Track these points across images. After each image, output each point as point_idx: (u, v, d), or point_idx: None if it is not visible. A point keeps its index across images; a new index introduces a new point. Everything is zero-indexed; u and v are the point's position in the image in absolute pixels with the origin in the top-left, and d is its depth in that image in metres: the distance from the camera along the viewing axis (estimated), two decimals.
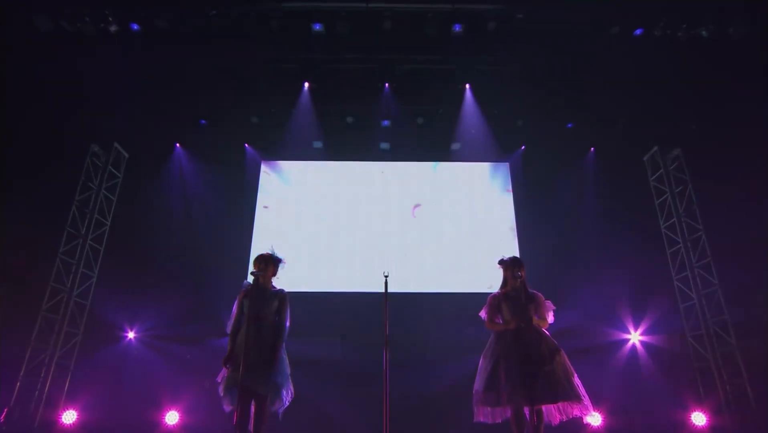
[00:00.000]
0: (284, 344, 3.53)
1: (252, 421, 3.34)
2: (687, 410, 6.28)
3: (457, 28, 6.37)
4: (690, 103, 6.88)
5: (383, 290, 3.54)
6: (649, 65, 6.62)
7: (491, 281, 7.26)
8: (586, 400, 3.27)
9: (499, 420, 3.39)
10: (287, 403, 3.49)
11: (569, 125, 7.87)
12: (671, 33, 6.37)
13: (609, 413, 6.11)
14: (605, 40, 6.42)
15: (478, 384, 3.39)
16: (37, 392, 6.24)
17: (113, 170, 7.62)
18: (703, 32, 6.35)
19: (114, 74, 6.63)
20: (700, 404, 6.37)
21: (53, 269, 6.64)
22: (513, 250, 7.55)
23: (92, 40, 6.31)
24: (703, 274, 6.93)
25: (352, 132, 7.95)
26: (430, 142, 8.07)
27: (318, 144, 8.13)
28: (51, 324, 6.56)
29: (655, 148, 7.77)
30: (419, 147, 8.08)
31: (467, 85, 7.42)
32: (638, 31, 6.38)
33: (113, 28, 6.28)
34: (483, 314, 3.68)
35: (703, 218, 7.06)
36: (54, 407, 6.28)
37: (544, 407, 3.27)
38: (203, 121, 7.81)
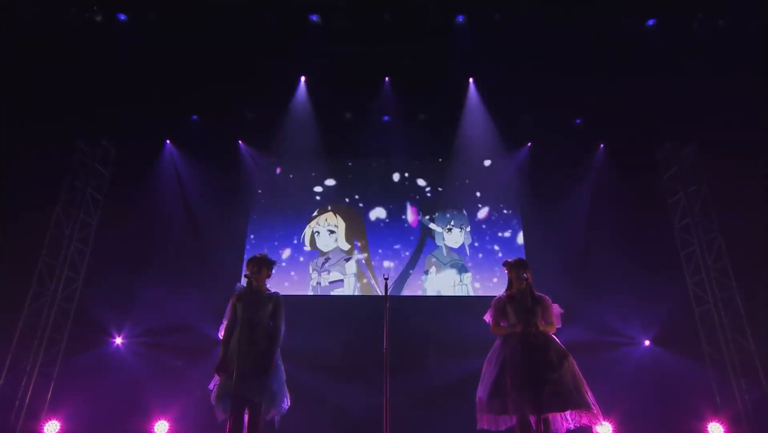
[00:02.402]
0: (279, 350, 3.56)
1: (246, 430, 3.36)
2: (703, 420, 6.29)
3: (461, 19, 6.39)
4: (705, 97, 6.89)
5: (383, 293, 3.56)
6: (662, 57, 6.63)
7: (496, 284, 7.34)
8: (596, 408, 3.29)
9: (502, 428, 3.42)
10: (283, 411, 3.51)
11: (578, 121, 7.89)
12: (686, 23, 6.38)
13: (620, 423, 6.12)
14: (616, 30, 6.44)
15: (482, 391, 3.41)
16: (17, 402, 6.22)
17: (100, 168, 7.63)
18: (720, 22, 6.36)
19: (100, 66, 6.65)
20: (716, 414, 6.37)
21: (36, 272, 6.64)
22: (518, 251, 7.56)
23: (77, 30, 6.32)
24: (720, 277, 6.94)
25: (350, 128, 7.97)
26: (432, 138, 8.07)
27: (315, 141, 8.14)
28: (33, 330, 6.56)
29: (669, 144, 7.78)
30: (420, 144, 8.08)
31: (471, 79, 7.43)
32: (651, 21, 6.40)
33: (99, 18, 6.30)
34: (488, 317, 3.70)
35: (720, 218, 7.07)
36: (36, 417, 6.27)
37: (551, 416, 3.29)
38: (194, 117, 7.83)
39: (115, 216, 7.54)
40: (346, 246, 7.72)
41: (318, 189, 8.09)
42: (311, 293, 7.38)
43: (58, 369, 6.70)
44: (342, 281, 7.47)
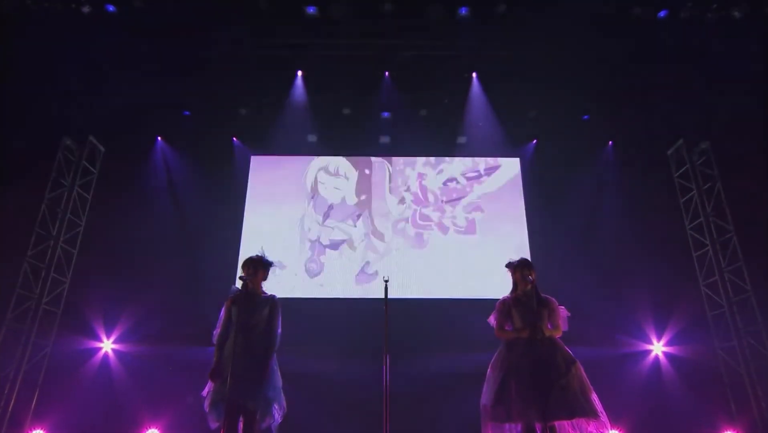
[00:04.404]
0: (275, 355, 3.57)
1: None
2: (717, 429, 6.30)
3: (464, 11, 6.41)
4: (719, 92, 6.91)
5: (383, 296, 3.57)
6: (673, 50, 6.64)
7: (500, 286, 7.34)
8: (604, 417, 3.31)
9: None
10: (279, 419, 3.52)
11: (585, 117, 7.90)
12: (699, 14, 6.39)
13: (628, 431, 6.13)
14: (626, 22, 6.45)
15: (486, 398, 3.43)
16: (0, 410, 6.23)
17: (88, 166, 7.64)
18: (736, 13, 6.37)
19: (88, 60, 6.66)
20: (731, 423, 6.38)
21: (20, 274, 6.65)
22: (524, 252, 7.57)
23: (63, 21, 6.33)
24: (734, 279, 6.96)
25: (349, 125, 7.98)
26: (434, 135, 8.10)
27: (312, 138, 8.17)
28: (17, 335, 6.56)
29: (680, 141, 7.80)
30: (422, 141, 8.10)
31: (474, 74, 7.44)
32: (662, 13, 6.41)
33: (86, 9, 6.31)
34: (492, 320, 3.71)
35: (734, 217, 7.09)
36: (20, 426, 6.28)
37: (557, 423, 3.31)
38: (187, 113, 7.84)
39: (103, 216, 7.54)
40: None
41: (314, 187, 8.10)
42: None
43: (44, 376, 6.69)
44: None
